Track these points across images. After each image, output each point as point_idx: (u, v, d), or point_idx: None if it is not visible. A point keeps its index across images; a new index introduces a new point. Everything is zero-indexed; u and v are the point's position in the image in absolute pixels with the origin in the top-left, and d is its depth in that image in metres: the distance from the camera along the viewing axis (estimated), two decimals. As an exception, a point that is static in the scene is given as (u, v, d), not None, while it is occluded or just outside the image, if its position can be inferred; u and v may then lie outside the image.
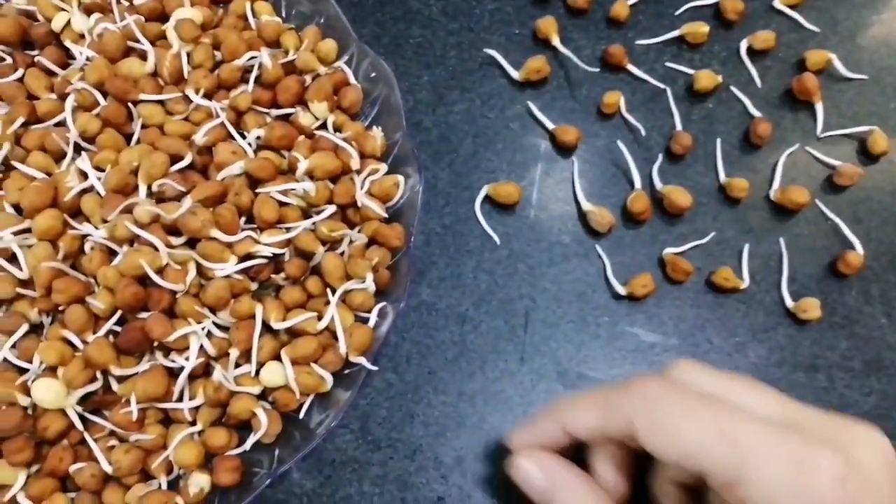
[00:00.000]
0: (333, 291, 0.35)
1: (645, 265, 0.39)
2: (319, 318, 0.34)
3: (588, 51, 0.44)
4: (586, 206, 0.40)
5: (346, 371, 0.34)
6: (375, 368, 0.35)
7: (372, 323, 0.35)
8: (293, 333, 0.34)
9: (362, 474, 0.35)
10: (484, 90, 0.43)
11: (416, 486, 0.35)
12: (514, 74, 0.43)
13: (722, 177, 0.41)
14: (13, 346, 0.33)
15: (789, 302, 0.39)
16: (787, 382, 0.38)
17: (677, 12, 0.45)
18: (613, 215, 0.40)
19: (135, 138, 0.37)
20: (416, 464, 0.36)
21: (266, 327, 0.33)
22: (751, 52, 0.44)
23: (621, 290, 0.38)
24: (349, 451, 0.36)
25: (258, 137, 0.38)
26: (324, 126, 0.39)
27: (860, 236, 0.40)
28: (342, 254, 0.36)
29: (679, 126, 0.42)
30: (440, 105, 0.43)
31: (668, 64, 0.44)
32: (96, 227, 0.34)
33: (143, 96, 0.38)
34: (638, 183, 0.40)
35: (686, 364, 0.28)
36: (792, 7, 0.45)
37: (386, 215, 0.37)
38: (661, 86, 0.43)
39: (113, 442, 0.32)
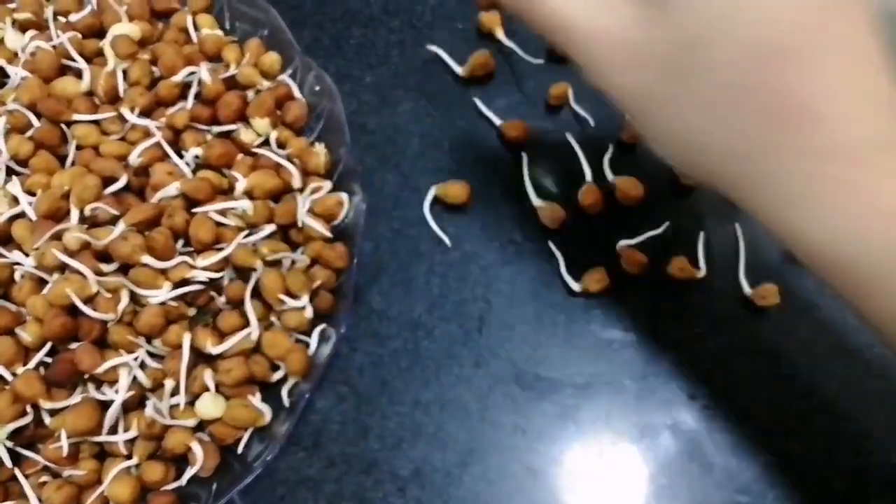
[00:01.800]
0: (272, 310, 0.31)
1: (600, 259, 0.35)
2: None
3: (533, 43, 0.39)
4: (536, 201, 0.36)
5: (287, 400, 0.30)
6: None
7: (312, 346, 0.31)
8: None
9: (318, 493, 0.31)
10: (429, 88, 0.39)
11: (373, 501, 0.31)
12: (459, 70, 0.38)
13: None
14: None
15: (747, 289, 0.34)
16: (748, 371, 0.34)
17: None
18: (565, 210, 0.35)
19: (69, 160, 0.33)
20: (372, 478, 0.32)
21: (204, 356, 0.29)
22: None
23: (576, 287, 0.34)
24: (303, 470, 0.32)
25: (196, 156, 0.33)
26: (266, 142, 0.35)
27: (818, 217, 0.35)
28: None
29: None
30: (384, 106, 0.38)
31: (616, 51, 0.39)
32: (27, 255, 0.30)
33: (76, 116, 0.34)
34: (589, 175, 0.36)
35: None
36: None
37: (330, 235, 0.32)
38: (610, 74, 0.38)
39: (45, 478, 0.28)
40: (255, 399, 0.29)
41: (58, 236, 0.30)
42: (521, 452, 0.32)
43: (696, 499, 0.32)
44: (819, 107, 0.21)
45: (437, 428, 0.32)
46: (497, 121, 0.37)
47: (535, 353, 0.34)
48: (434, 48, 0.39)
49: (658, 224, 0.35)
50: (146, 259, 0.29)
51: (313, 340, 0.31)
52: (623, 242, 0.35)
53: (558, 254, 0.35)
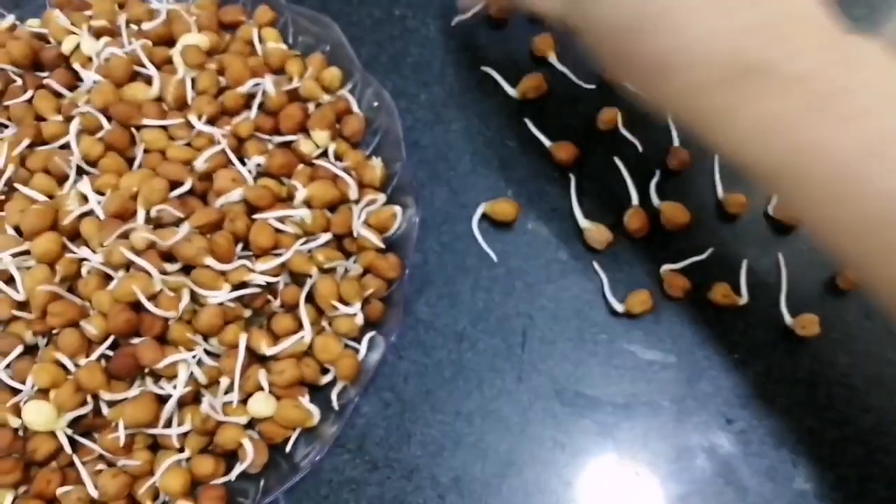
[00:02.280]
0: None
1: (643, 282, 0.35)
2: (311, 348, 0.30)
3: (586, 68, 0.39)
4: (583, 223, 0.35)
5: (336, 403, 0.30)
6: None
7: (362, 353, 0.31)
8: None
9: (359, 494, 0.31)
10: (481, 108, 0.39)
11: (412, 506, 0.31)
12: (511, 92, 0.38)
13: (720, 192, 0.36)
14: (7, 367, 0.29)
15: (788, 318, 0.34)
16: (786, 399, 0.33)
17: (673, 28, 0.40)
18: (611, 232, 0.35)
19: (136, 163, 0.33)
20: (413, 483, 0.31)
21: (257, 357, 0.29)
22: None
23: (619, 308, 0.34)
24: (346, 472, 0.31)
25: (258, 165, 0.33)
26: (325, 154, 0.35)
27: (860, 251, 0.35)
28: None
29: (676, 142, 0.37)
30: (438, 123, 0.38)
31: (665, 80, 0.39)
32: (94, 252, 0.30)
33: (145, 121, 0.34)
34: (635, 199, 0.36)
35: None
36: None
37: (382, 246, 0.33)
38: (658, 101, 0.38)
39: (101, 466, 0.28)
40: (305, 400, 0.29)
41: (125, 235, 0.30)
42: (559, 467, 0.32)
43: (729, 522, 0.31)
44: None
45: (478, 438, 0.32)
46: (547, 142, 0.37)
47: (575, 371, 0.33)
48: (488, 69, 0.39)
49: (702, 250, 0.35)
50: (208, 261, 0.29)
51: (363, 347, 0.31)
52: (667, 266, 0.35)
53: (602, 274, 0.35)
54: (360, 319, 0.31)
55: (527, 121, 0.38)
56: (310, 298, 0.31)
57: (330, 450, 0.31)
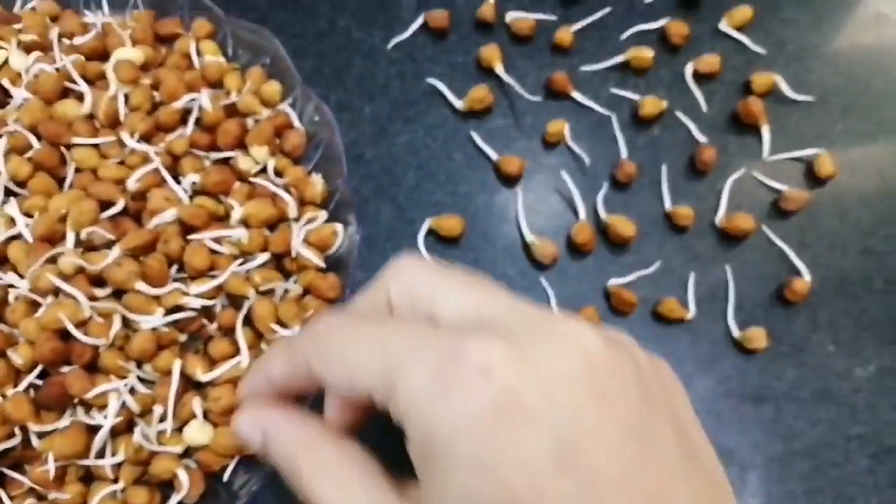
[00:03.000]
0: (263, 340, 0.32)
1: (590, 297, 0.37)
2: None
3: (532, 78, 0.41)
4: (530, 237, 0.37)
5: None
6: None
7: None
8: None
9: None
10: (427, 121, 0.40)
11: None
12: (458, 104, 0.40)
13: (667, 205, 0.38)
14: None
15: (735, 332, 0.36)
16: (734, 414, 0.35)
17: (622, 37, 0.42)
18: (557, 246, 0.37)
19: (67, 183, 0.34)
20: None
21: (193, 383, 0.31)
22: (696, 76, 0.41)
23: (565, 324, 0.36)
24: (289, 502, 0.33)
25: (194, 183, 0.34)
26: (264, 170, 0.36)
27: (807, 262, 0.37)
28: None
29: (624, 154, 0.39)
30: (382, 137, 0.40)
31: (614, 90, 0.40)
32: (22, 277, 0.31)
33: (76, 140, 0.35)
34: (582, 213, 0.37)
35: (402, 265, 0.23)
36: (738, 29, 0.42)
37: (323, 265, 0.34)
38: (607, 113, 0.40)
39: (31, 500, 0.29)
40: None
41: (53, 260, 0.31)
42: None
43: (678, 540, 0.33)
44: None
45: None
46: (494, 155, 0.39)
47: (522, 389, 0.35)
48: (433, 81, 0.40)
49: (649, 264, 0.37)
50: (140, 286, 0.30)
51: None
52: (614, 281, 0.36)
53: (550, 290, 0.36)
54: None
55: (473, 133, 0.40)
56: (247, 321, 0.32)
57: (272, 480, 0.32)
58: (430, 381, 0.18)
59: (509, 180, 0.39)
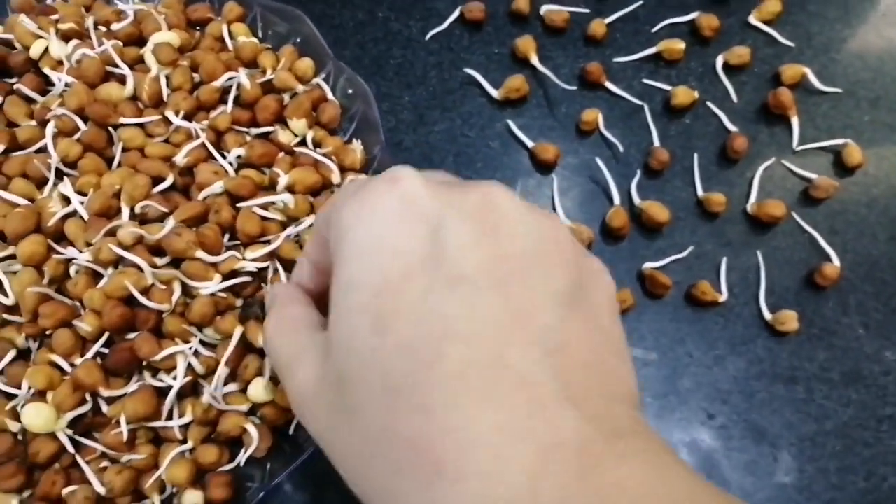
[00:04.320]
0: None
1: (625, 280, 0.44)
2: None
3: (566, 69, 0.49)
4: (565, 222, 0.45)
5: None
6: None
7: None
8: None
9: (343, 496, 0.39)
10: (464, 109, 0.48)
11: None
12: (494, 93, 0.48)
13: (699, 191, 0.46)
14: (1, 373, 0.37)
15: (767, 314, 0.44)
16: (766, 394, 0.43)
17: (654, 29, 0.51)
18: (593, 231, 0.45)
19: (116, 162, 0.42)
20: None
21: (252, 346, 0.38)
22: (727, 67, 0.49)
23: (601, 306, 0.43)
24: (332, 474, 0.39)
25: (239, 156, 0.42)
26: (303, 142, 0.44)
27: (836, 248, 0.45)
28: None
29: (657, 142, 0.47)
30: (421, 125, 0.48)
31: (646, 81, 0.49)
32: (80, 251, 0.38)
33: (122, 120, 0.42)
34: (616, 199, 0.45)
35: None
36: (766, 23, 0.51)
37: None
38: (639, 102, 0.48)
39: (105, 463, 0.36)
40: None
41: (111, 233, 0.38)
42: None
43: (712, 516, 0.40)
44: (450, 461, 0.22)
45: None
46: (529, 143, 0.47)
47: (560, 369, 0.42)
48: (470, 71, 0.49)
49: (682, 248, 0.45)
50: (198, 253, 0.38)
51: None
52: (648, 265, 0.44)
53: (585, 273, 0.44)
54: None
55: (509, 122, 0.48)
56: None
57: (314, 453, 0.39)
58: (350, 196, 0.26)
59: (545, 167, 0.47)
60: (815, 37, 0.51)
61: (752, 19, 0.51)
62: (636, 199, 0.45)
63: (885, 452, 0.42)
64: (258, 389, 0.37)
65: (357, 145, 0.44)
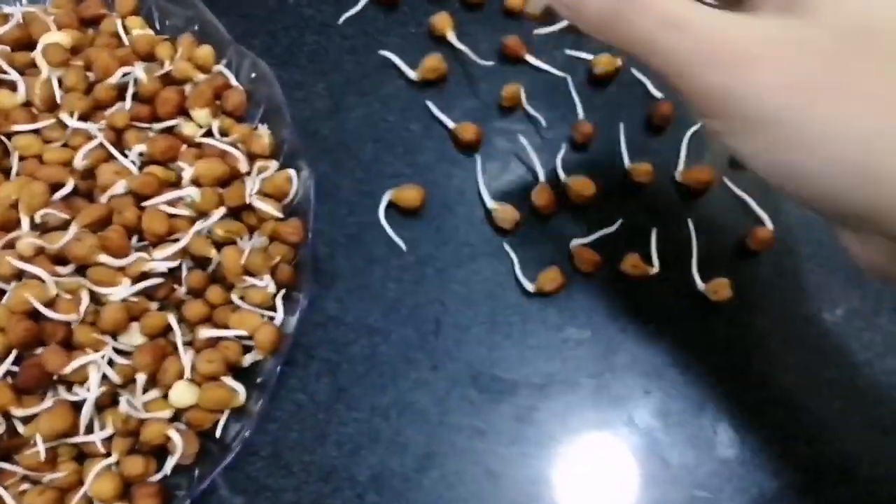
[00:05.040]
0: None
1: (554, 259, 0.48)
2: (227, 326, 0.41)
3: (486, 44, 0.52)
4: (490, 203, 0.48)
5: (258, 379, 0.42)
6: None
7: (279, 318, 0.42)
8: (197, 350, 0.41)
9: (276, 502, 0.42)
10: (382, 93, 0.51)
11: (332, 506, 0.42)
12: (412, 74, 0.51)
13: (626, 162, 0.50)
14: None
15: (700, 284, 0.47)
16: (704, 365, 0.46)
17: (574, -3, 0.53)
18: (519, 211, 0.48)
19: (14, 172, 0.44)
20: (330, 485, 0.43)
21: (172, 349, 0.41)
22: (650, 33, 0.52)
23: (530, 287, 0.46)
24: (261, 479, 0.43)
25: (140, 154, 0.44)
26: (209, 133, 0.47)
27: (769, 211, 0.48)
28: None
29: (581, 114, 0.50)
30: (337, 112, 0.51)
31: (568, 52, 0.52)
32: (-21, 268, 0.41)
33: (16, 128, 0.44)
34: (542, 176, 0.49)
35: None
36: (690, -17, 0.54)
37: (280, 215, 0.44)
38: (562, 74, 0.52)
39: (25, 486, 0.39)
40: (228, 379, 0.40)
41: (10, 245, 0.41)
42: (480, 455, 0.44)
43: (653, 495, 0.44)
44: None
45: (396, 432, 0.44)
46: (450, 124, 0.50)
47: (491, 355, 0.46)
48: (386, 53, 0.51)
49: (611, 222, 0.48)
50: (102, 258, 0.40)
51: (279, 308, 0.42)
52: (576, 241, 0.47)
53: (513, 255, 0.47)
54: (271, 288, 0.43)
55: (429, 103, 0.51)
56: (213, 280, 0.43)
57: (242, 458, 0.42)
58: None
59: (467, 148, 0.50)
60: (740, -5, 0.54)
61: (675, -19, 0.54)
62: (561, 175, 0.49)
63: (828, 417, 0.46)
64: (180, 393, 0.40)
65: (264, 130, 0.47)
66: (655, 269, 0.47)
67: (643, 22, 0.29)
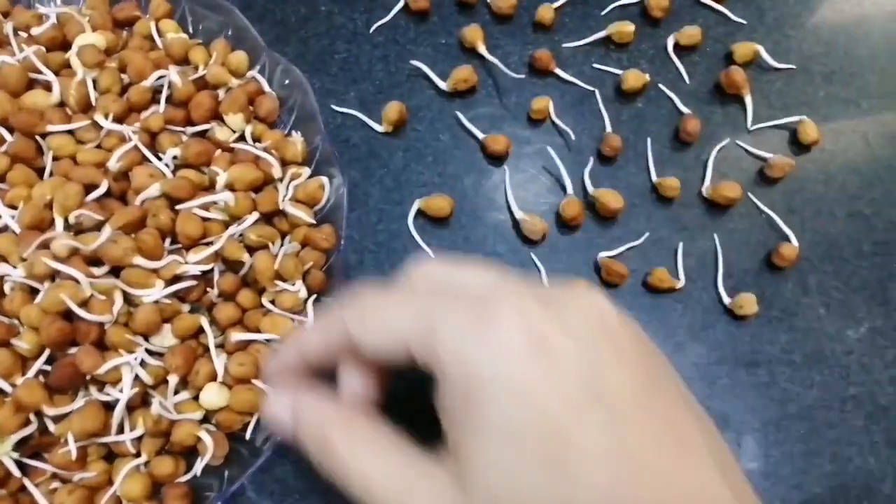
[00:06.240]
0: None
1: (581, 270, 0.48)
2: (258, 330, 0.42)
3: (515, 57, 0.53)
4: (519, 214, 0.48)
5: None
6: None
7: (309, 322, 0.42)
8: (228, 353, 0.42)
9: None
10: (412, 102, 0.52)
11: None
12: (442, 85, 0.51)
13: (654, 177, 0.50)
14: (-65, 399, 0.39)
15: (726, 298, 0.47)
16: (727, 380, 0.46)
17: (603, 13, 0.54)
18: (547, 222, 0.48)
19: (47, 172, 0.44)
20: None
21: (204, 351, 0.41)
22: (678, 48, 0.53)
23: (558, 298, 0.46)
24: (289, 482, 0.43)
25: (175, 157, 0.45)
26: (243, 138, 0.47)
27: (794, 228, 0.49)
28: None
29: (609, 128, 0.51)
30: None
31: (596, 65, 0.53)
32: (14, 267, 0.41)
33: (50, 128, 0.44)
34: (570, 188, 0.49)
35: (419, 264, 0.32)
36: (717, 0, 0.54)
37: (312, 221, 0.44)
38: (590, 88, 0.52)
39: (56, 485, 0.39)
40: (259, 382, 0.40)
41: (45, 245, 0.41)
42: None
43: (679, 506, 0.44)
44: None
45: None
46: (480, 134, 0.50)
47: (518, 364, 0.45)
48: (417, 63, 0.52)
49: (638, 236, 0.48)
50: (137, 260, 0.40)
51: (310, 313, 0.42)
52: (604, 254, 0.47)
53: (540, 265, 0.47)
54: (303, 293, 0.43)
55: (458, 113, 0.51)
56: (246, 283, 0.43)
57: (270, 459, 0.41)
58: (471, 322, 0.27)
59: (496, 158, 0.50)
60: (768, 13, 0.55)
61: (703, -3, 0.55)
62: (589, 188, 0.49)
63: (850, 433, 0.46)
64: (211, 395, 0.40)
65: (297, 137, 0.47)
66: (682, 282, 0.47)
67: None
